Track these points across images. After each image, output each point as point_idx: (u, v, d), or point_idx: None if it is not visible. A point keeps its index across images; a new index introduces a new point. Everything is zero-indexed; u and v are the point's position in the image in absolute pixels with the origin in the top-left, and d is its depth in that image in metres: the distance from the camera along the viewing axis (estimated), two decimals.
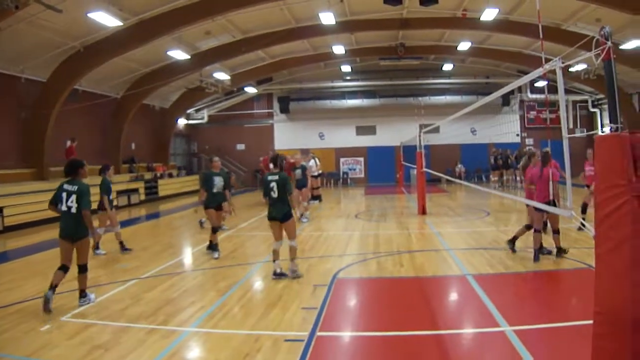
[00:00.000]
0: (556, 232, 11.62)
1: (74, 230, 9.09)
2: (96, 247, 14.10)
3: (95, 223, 10.49)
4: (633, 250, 4.45)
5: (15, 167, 23.04)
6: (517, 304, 8.54)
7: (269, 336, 7.30)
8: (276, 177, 10.71)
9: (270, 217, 10.76)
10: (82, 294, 9.31)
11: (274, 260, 10.82)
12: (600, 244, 4.78)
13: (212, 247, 13.42)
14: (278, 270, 10.68)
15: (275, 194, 10.59)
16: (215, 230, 13.36)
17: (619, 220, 4.57)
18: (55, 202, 9.27)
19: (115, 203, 15.42)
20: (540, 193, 11.22)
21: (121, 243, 14.39)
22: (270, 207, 10.77)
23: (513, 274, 10.56)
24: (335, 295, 9.30)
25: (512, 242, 12.49)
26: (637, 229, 4.48)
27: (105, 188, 14.22)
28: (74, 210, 9.05)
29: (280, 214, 10.62)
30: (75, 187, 9.13)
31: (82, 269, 9.27)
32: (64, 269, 9.15)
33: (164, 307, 8.86)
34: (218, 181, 13.36)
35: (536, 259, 11.36)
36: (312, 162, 26.28)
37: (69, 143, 24.47)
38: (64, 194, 9.15)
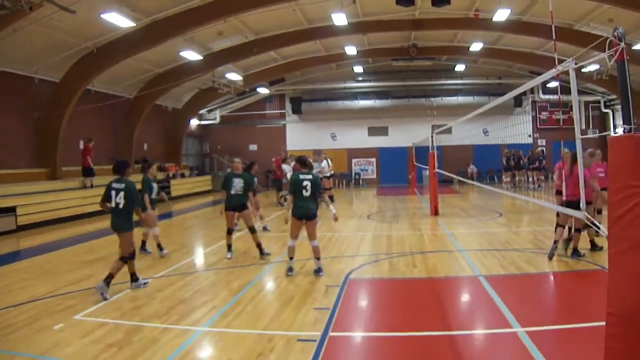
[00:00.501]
0: (577, 230, 11.66)
1: (117, 224, 10.15)
2: (142, 245, 14.04)
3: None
4: None
5: (29, 166, 23.18)
6: (529, 305, 8.50)
7: (282, 336, 7.30)
8: (310, 177, 10.93)
9: (299, 216, 10.81)
10: (133, 278, 10.37)
11: (290, 258, 11.02)
12: (613, 245, 4.76)
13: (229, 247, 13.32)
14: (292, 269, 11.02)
15: (307, 193, 10.75)
16: (229, 231, 13.23)
17: (632, 221, 4.55)
18: (105, 200, 10.20)
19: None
20: (567, 191, 11.17)
21: (159, 245, 13.90)
22: (297, 205, 10.83)
23: (525, 275, 10.53)
24: (347, 295, 9.29)
25: (575, 251, 11.85)
26: None
27: (146, 186, 13.96)
28: (121, 206, 10.01)
29: (310, 212, 10.77)
30: (123, 185, 10.06)
31: (123, 260, 10.08)
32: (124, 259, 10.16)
33: (177, 307, 8.88)
34: (237, 183, 13.00)
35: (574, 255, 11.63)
36: (324, 163, 26.33)
37: (82, 143, 24.61)
38: (113, 192, 10.09)
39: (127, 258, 10.15)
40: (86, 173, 25.11)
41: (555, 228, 12.06)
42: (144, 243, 14.27)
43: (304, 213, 10.72)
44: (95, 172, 25.25)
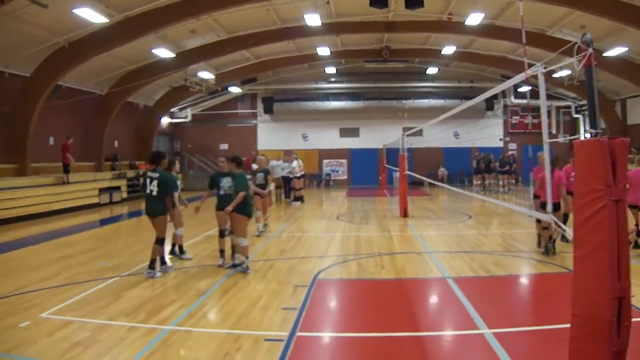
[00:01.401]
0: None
1: (152, 209, 11.26)
2: (180, 250, 13.17)
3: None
4: (611, 254, 4.51)
5: None
6: (497, 306, 8.58)
7: (249, 336, 7.31)
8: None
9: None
10: (151, 265, 11.12)
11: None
12: (579, 247, 4.84)
13: (232, 254, 12.34)
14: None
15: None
16: (222, 234, 12.46)
17: (598, 224, 4.63)
18: (143, 188, 11.52)
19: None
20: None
21: (180, 247, 13.24)
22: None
23: (493, 278, 10.63)
24: (315, 296, 9.32)
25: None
26: (615, 232, 4.53)
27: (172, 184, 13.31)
28: (154, 193, 11.13)
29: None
30: (157, 175, 11.21)
31: (158, 241, 11.17)
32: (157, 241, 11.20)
33: (144, 305, 8.85)
34: (225, 182, 12.06)
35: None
36: (295, 163, 26.42)
37: (52, 140, 24.40)
38: (148, 180, 11.26)
39: (160, 240, 11.15)
40: (65, 169, 25.27)
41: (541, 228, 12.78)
42: (181, 247, 13.39)
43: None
44: (70, 169, 25.23)
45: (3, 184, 21.60)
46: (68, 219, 22.08)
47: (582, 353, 4.73)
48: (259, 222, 16.65)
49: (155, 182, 11.10)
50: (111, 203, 28.76)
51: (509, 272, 11.17)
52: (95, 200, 27.43)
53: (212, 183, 12.44)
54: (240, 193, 11.18)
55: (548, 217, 6.85)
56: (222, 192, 12.14)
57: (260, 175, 16.86)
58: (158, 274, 11.06)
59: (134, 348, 6.89)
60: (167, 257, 12.19)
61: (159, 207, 11.25)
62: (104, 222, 22.33)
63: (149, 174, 11.31)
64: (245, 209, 11.37)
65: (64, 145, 25.41)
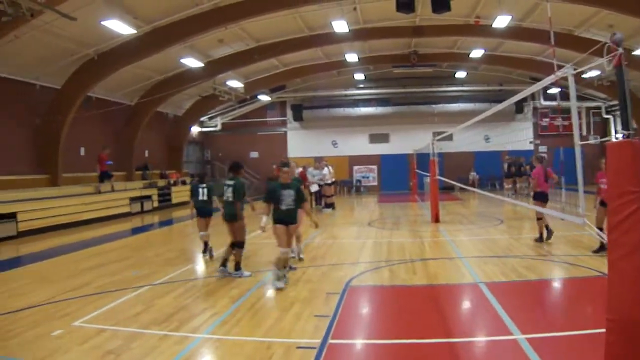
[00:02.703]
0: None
1: (230, 214, 11.83)
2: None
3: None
4: None
5: (30, 173, 23.19)
6: (530, 311, 8.45)
7: (281, 343, 7.26)
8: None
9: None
10: (237, 267, 11.83)
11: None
12: (613, 250, 4.74)
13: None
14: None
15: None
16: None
17: (632, 226, 4.54)
18: (219, 195, 12.61)
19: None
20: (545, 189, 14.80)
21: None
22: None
23: (526, 282, 10.48)
24: (347, 303, 9.25)
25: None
26: None
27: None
28: (230, 199, 11.83)
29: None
30: (233, 182, 11.88)
31: (237, 245, 11.83)
32: (231, 245, 11.93)
33: (176, 314, 8.85)
34: (287, 195, 10.83)
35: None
36: (325, 170, 26.41)
37: (83, 150, 24.66)
38: (225, 187, 11.96)
39: (240, 244, 11.81)
40: (103, 177, 26.13)
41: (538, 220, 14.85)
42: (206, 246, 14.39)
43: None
44: (108, 178, 26.28)
45: (36, 195, 21.89)
46: (99, 229, 22.25)
47: (617, 358, 4.63)
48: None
49: (231, 189, 11.79)
50: (142, 212, 28.94)
51: (542, 277, 11.01)
52: (126, 209, 27.63)
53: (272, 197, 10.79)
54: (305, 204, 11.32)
55: (581, 221, 6.75)
56: (284, 207, 10.54)
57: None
58: (246, 273, 11.80)
59: (166, 356, 6.87)
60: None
61: (236, 213, 11.80)
62: (135, 231, 22.44)
63: (227, 182, 12.02)
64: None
65: (100, 156, 26.08)
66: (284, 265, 10.73)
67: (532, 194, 15.77)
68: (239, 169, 12.23)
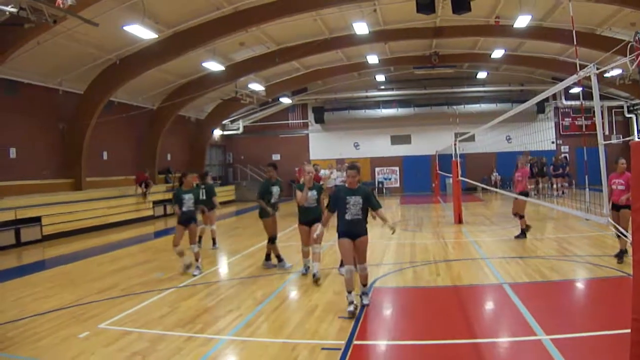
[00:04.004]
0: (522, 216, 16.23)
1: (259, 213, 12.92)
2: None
3: None
4: None
5: (54, 177, 23.43)
6: (554, 312, 8.41)
7: (306, 345, 7.29)
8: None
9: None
10: (267, 258, 13.11)
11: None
12: (638, 250, 4.70)
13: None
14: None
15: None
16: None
17: None
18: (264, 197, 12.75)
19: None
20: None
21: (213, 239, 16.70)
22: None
23: (549, 283, 10.43)
24: (372, 304, 9.24)
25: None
26: None
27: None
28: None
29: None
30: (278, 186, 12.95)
31: (270, 240, 12.84)
32: (270, 240, 12.87)
33: (201, 316, 8.90)
34: (311, 195, 11.78)
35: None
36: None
37: (105, 155, 24.93)
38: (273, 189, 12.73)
39: (271, 239, 12.75)
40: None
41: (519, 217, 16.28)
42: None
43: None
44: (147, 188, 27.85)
45: (60, 199, 22.13)
46: (124, 232, 22.42)
47: None
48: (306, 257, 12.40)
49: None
50: (165, 215, 29.09)
51: (566, 277, 10.94)
52: (150, 212, 27.82)
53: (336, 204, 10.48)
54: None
55: (605, 220, 6.72)
56: (349, 217, 9.57)
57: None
58: (288, 264, 12.75)
59: (191, 358, 6.93)
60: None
61: (261, 212, 12.76)
62: (158, 234, 22.55)
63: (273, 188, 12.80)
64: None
65: (139, 175, 27.63)
66: (349, 290, 8.87)
67: (517, 192, 16.55)
68: (275, 169, 12.84)
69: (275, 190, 12.82)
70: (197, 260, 12.90)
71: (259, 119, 42.40)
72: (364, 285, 9.46)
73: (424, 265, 12.69)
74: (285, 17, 22.41)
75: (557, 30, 25.00)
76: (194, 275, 12.32)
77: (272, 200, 12.75)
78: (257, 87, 33.35)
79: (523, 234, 16.11)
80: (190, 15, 21.22)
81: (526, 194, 16.33)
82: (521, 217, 16.16)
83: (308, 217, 11.67)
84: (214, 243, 16.69)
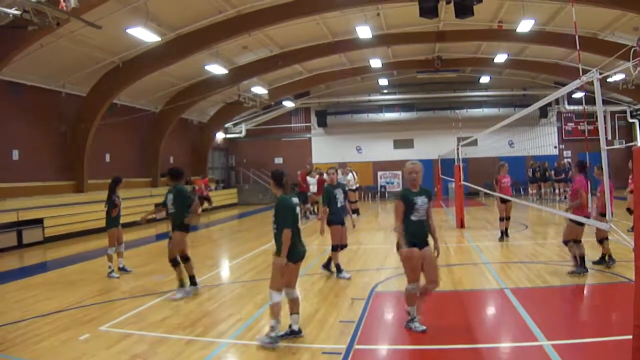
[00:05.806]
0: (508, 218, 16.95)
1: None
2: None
3: None
4: None
5: (56, 179, 23.46)
6: (556, 318, 8.40)
7: (307, 349, 7.28)
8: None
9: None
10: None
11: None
12: None
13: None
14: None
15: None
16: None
17: None
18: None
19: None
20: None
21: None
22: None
23: (551, 288, 10.40)
24: (372, 308, 9.26)
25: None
26: None
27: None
28: None
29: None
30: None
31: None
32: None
33: (202, 319, 8.90)
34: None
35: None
36: (350, 176, 26.40)
37: (107, 157, 24.92)
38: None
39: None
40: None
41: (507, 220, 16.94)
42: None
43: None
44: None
45: (62, 201, 22.19)
46: (125, 234, 22.26)
47: None
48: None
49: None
50: (167, 218, 29.00)
51: (567, 283, 10.90)
52: (151, 215, 27.74)
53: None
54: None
55: (607, 226, 6.71)
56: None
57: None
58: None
59: None
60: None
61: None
62: (159, 237, 22.53)
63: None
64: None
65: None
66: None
67: (500, 198, 16.97)
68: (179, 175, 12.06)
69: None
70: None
71: (262, 123, 42.39)
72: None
73: None
74: (288, 21, 22.43)
75: (559, 35, 25.00)
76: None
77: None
78: (260, 90, 33.38)
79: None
80: (193, 18, 21.28)
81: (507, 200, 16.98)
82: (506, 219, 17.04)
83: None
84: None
